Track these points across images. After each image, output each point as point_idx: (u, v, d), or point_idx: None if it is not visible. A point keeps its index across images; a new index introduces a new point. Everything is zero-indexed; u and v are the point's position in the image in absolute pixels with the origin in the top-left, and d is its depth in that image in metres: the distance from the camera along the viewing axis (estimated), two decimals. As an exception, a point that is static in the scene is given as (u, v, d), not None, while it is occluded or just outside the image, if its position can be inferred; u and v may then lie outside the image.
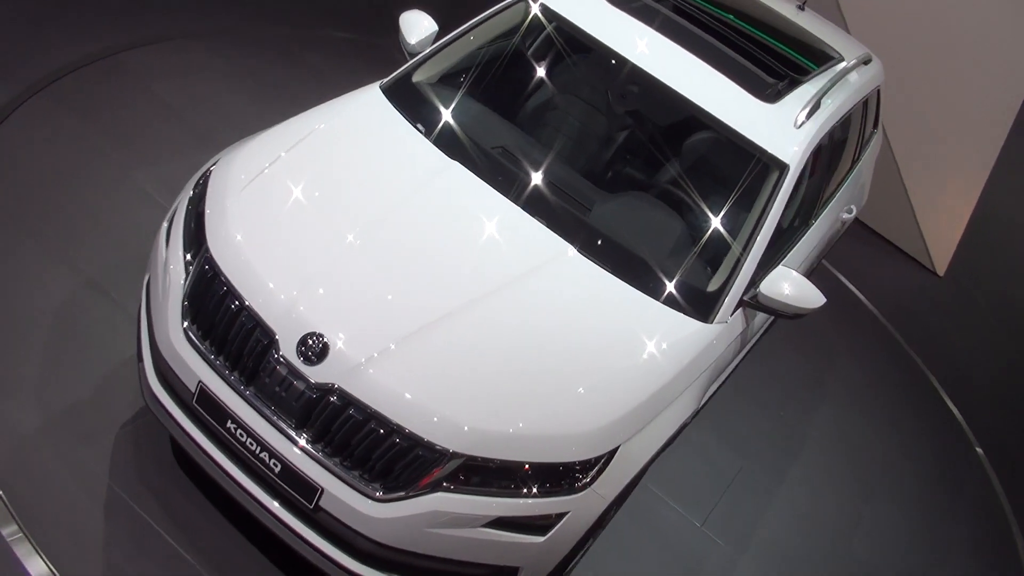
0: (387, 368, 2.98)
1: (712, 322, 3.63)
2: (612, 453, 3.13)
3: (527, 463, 2.98)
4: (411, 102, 3.95)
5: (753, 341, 4.80)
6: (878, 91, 5.54)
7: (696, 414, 4.25)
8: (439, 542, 2.99)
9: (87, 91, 5.07)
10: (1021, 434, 6.44)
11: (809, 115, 4.13)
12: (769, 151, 3.94)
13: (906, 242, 7.86)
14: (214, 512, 3.56)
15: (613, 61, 4.09)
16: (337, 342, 2.99)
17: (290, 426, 3.00)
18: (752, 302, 3.77)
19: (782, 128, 4.04)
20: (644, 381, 3.28)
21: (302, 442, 2.98)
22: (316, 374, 2.97)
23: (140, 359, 3.38)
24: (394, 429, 2.92)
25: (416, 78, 4.08)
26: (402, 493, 2.93)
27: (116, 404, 3.74)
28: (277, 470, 3.04)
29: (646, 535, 4.29)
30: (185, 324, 3.16)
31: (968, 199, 7.63)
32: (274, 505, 3.08)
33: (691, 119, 4.04)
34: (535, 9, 4.26)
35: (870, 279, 7.25)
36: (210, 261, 3.17)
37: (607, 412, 3.13)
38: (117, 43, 5.54)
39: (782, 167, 3.93)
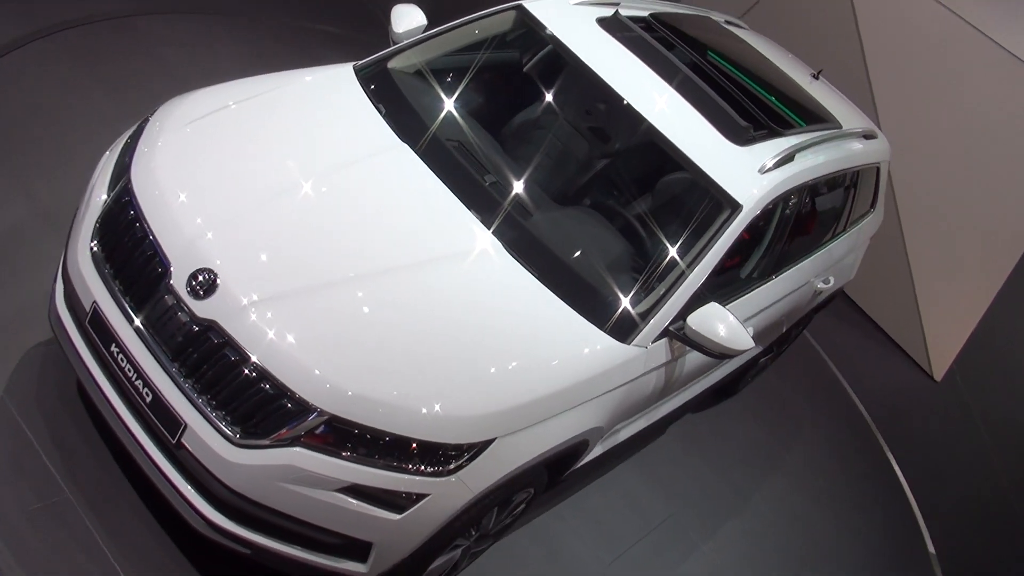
0: (270, 315, 2.96)
1: (629, 344, 3.55)
2: (486, 445, 3.06)
3: (392, 435, 2.92)
4: (379, 84, 3.99)
5: (697, 388, 4.70)
6: (878, 169, 5.48)
7: (615, 448, 4.18)
8: (292, 500, 2.93)
9: (95, 44, 5.23)
10: (981, 549, 6.17)
11: (778, 164, 4.08)
12: (724, 188, 3.89)
13: (906, 340, 7.68)
14: (102, 448, 3.54)
15: (586, 77, 4.10)
16: (227, 281, 2.99)
17: (166, 357, 2.99)
18: (679, 334, 3.69)
19: (744, 170, 3.99)
20: (535, 382, 3.21)
21: (174, 374, 2.97)
22: (200, 309, 2.97)
23: (55, 279, 3.42)
24: (263, 375, 2.90)
25: (391, 64, 4.14)
26: (261, 441, 2.89)
27: (33, 328, 3.76)
28: (148, 400, 3.03)
29: (546, 562, 4.16)
30: (93, 244, 3.20)
31: (977, 308, 7.45)
32: (142, 435, 3.07)
33: (652, 145, 4.02)
34: (523, 18, 4.30)
35: (858, 367, 7.08)
36: (128, 186, 3.22)
37: (488, 402, 3.06)
38: (139, 7, 5.72)
39: (734, 206, 3.87)
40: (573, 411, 3.35)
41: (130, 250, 3.12)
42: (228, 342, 2.93)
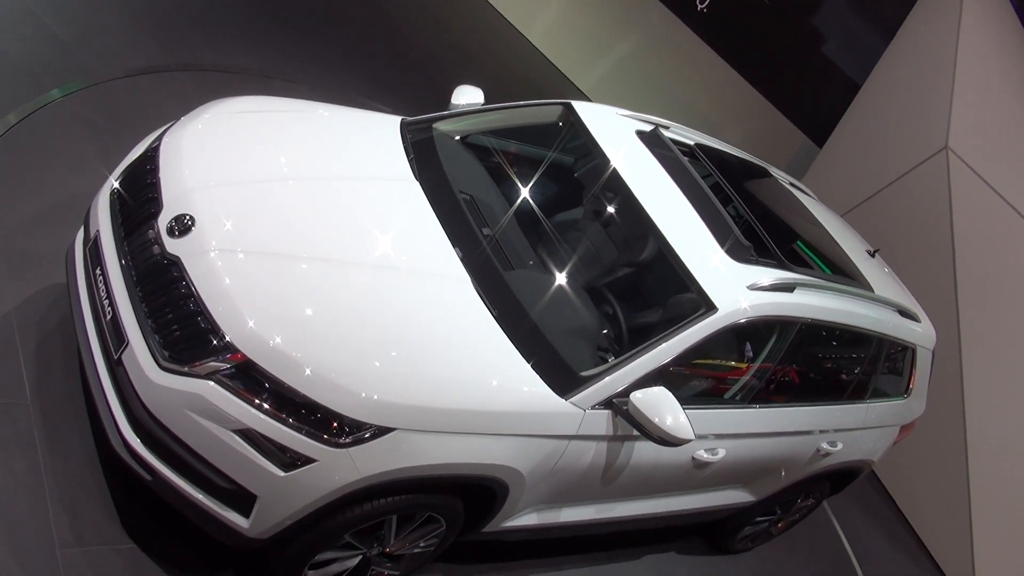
0: (229, 264, 3.30)
1: (565, 399, 3.65)
2: (385, 432, 3.20)
3: (297, 392, 3.12)
4: (417, 133, 4.43)
5: (666, 503, 4.63)
6: (913, 352, 5.41)
7: (558, 528, 4.18)
8: (192, 429, 3.15)
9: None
10: None
11: (773, 288, 4.19)
12: (703, 287, 4.02)
13: (950, 566, 7.17)
14: (77, 379, 3.88)
15: (605, 168, 4.40)
16: (202, 228, 3.37)
17: (132, 280, 3.36)
18: (622, 410, 3.76)
19: (731, 280, 4.11)
20: (453, 392, 3.35)
21: (134, 297, 3.32)
22: (171, 245, 3.35)
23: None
24: (201, 309, 3.20)
25: (437, 125, 4.58)
26: (181, 368, 3.16)
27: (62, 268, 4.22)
28: (108, 317, 3.38)
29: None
30: (116, 185, 3.68)
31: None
32: (96, 348, 3.40)
33: (648, 239, 4.23)
34: (567, 114, 4.69)
35: (883, 568, 6.66)
36: (157, 145, 3.72)
37: (398, 392, 3.22)
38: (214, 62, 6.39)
39: (709, 306, 3.98)
40: (487, 438, 3.45)
41: (139, 191, 3.57)
42: (183, 276, 3.27)
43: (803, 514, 5.89)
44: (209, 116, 3.94)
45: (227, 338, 3.14)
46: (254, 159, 3.79)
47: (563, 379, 3.68)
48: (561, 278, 4.27)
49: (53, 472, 3.55)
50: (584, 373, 3.75)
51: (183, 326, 3.21)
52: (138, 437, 3.27)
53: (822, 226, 5.35)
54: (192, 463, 3.20)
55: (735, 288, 4.09)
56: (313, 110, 4.30)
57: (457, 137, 4.63)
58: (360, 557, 3.68)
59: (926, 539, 7.30)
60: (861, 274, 5.10)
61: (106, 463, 3.66)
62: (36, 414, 3.68)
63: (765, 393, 4.55)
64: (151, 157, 3.70)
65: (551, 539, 4.54)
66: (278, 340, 3.15)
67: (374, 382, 3.21)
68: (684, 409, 3.77)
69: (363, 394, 3.16)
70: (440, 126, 4.58)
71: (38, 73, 5.27)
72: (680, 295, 4.12)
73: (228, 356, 3.14)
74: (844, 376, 5.13)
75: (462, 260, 3.83)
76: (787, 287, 4.27)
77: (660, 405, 3.70)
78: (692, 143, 5.03)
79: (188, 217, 3.40)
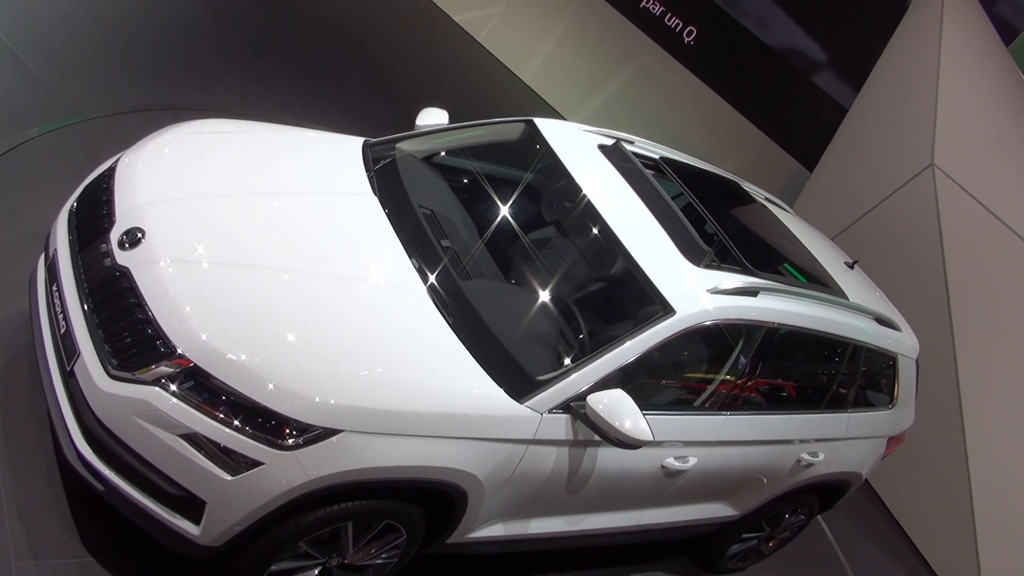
0: (177, 272, 3.36)
1: (521, 403, 3.65)
2: (331, 434, 3.21)
3: (241, 395, 3.15)
4: (378, 152, 4.50)
5: (640, 517, 4.59)
6: (895, 361, 5.37)
7: (527, 541, 4.15)
8: (141, 437, 3.18)
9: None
10: None
11: (735, 292, 4.19)
12: (660, 291, 4.03)
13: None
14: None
15: (563, 177, 4.45)
16: (151, 240, 3.43)
17: (84, 293, 3.42)
18: (579, 413, 3.75)
19: (690, 285, 4.12)
20: (405, 395, 3.37)
21: (84, 308, 3.38)
22: (121, 257, 3.41)
23: None
24: (147, 317, 3.25)
25: (401, 145, 4.65)
26: (129, 375, 3.21)
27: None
28: (62, 331, 3.44)
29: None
30: (73, 204, 3.77)
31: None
32: (52, 362, 3.45)
33: (605, 244, 4.25)
34: (530, 131, 4.76)
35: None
36: (115, 163, 3.81)
37: (344, 393, 3.24)
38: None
39: (667, 309, 3.99)
40: (439, 441, 3.45)
41: (94, 208, 3.65)
42: (131, 286, 3.33)
43: (794, 531, 5.80)
44: (168, 136, 4.04)
45: (172, 343, 3.19)
46: (209, 175, 3.87)
47: (519, 383, 3.69)
48: (520, 287, 4.30)
49: (13, 486, 3.59)
50: (540, 377, 3.75)
51: (131, 334, 3.26)
52: (90, 447, 3.30)
53: (795, 236, 5.36)
54: (142, 471, 3.23)
55: (694, 291, 4.10)
56: (274, 131, 4.40)
57: (421, 156, 4.70)
58: (319, 568, 3.67)
59: (929, 556, 7.15)
60: (836, 283, 5.09)
61: (66, 478, 3.69)
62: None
63: (735, 400, 4.52)
64: (108, 176, 3.79)
65: (525, 554, 4.50)
66: (222, 344, 3.19)
67: (319, 384, 3.23)
68: (650, 415, 3.76)
69: (307, 396, 3.19)
70: (403, 145, 4.66)
71: (20, 112, 5.42)
72: (638, 299, 4.13)
73: (173, 361, 3.18)
74: (820, 385, 5.09)
75: (417, 269, 3.87)
76: (750, 291, 4.27)
77: (616, 407, 3.69)
78: (657, 157, 5.08)
79: (139, 230, 3.47)
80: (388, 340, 3.53)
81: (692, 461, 4.38)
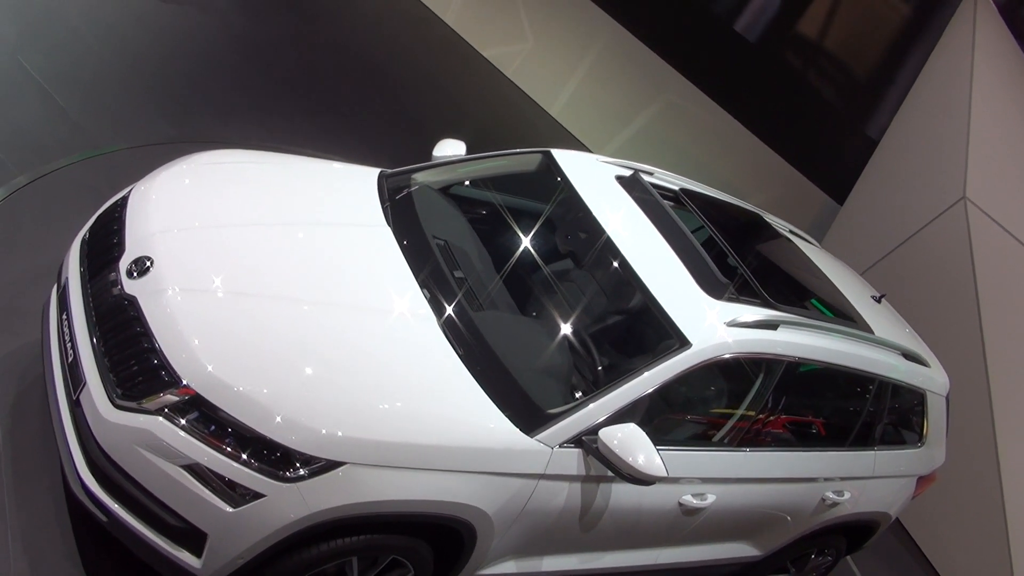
0: (184, 301, 3.34)
1: (532, 436, 3.58)
2: (335, 466, 3.16)
3: (245, 426, 3.11)
4: (394, 184, 4.48)
5: (659, 556, 4.47)
6: (924, 398, 5.22)
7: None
8: (143, 467, 3.15)
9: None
10: None
11: (754, 325, 4.10)
12: (676, 324, 3.95)
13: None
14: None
15: (579, 209, 4.40)
16: (160, 269, 3.42)
17: (91, 321, 3.41)
18: (591, 447, 3.67)
19: (708, 317, 4.03)
20: (411, 428, 3.31)
21: (92, 338, 3.37)
22: (128, 285, 3.41)
23: None
24: (152, 346, 3.23)
25: (416, 176, 4.64)
26: (132, 404, 3.18)
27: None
28: (70, 359, 3.43)
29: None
30: (85, 234, 3.78)
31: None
32: (60, 390, 3.44)
33: (621, 277, 4.18)
34: (547, 162, 4.72)
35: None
36: (128, 193, 3.81)
37: (351, 426, 3.19)
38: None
39: (683, 342, 3.90)
40: (446, 475, 3.38)
41: (105, 237, 3.66)
42: (138, 315, 3.32)
43: (821, 573, 5.64)
44: (183, 165, 4.05)
45: (177, 373, 3.16)
46: (221, 205, 3.87)
47: (529, 416, 3.62)
48: (534, 319, 4.24)
49: (19, 515, 3.57)
50: (551, 411, 3.68)
51: (137, 363, 3.24)
52: (94, 477, 3.27)
53: (819, 270, 5.26)
54: (144, 502, 3.19)
55: (712, 324, 4.01)
56: (289, 162, 4.40)
57: (436, 187, 4.67)
58: (327, 604, 3.60)
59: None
60: (861, 317, 4.97)
61: (73, 508, 3.67)
62: (6, 460, 3.72)
63: (756, 436, 4.41)
64: (120, 204, 3.80)
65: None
66: (228, 375, 3.16)
67: (323, 415, 3.18)
68: (666, 451, 3.68)
69: (312, 427, 3.14)
70: (419, 176, 4.64)
71: (45, 143, 5.49)
72: (655, 333, 4.06)
73: (177, 391, 3.15)
74: (845, 422, 4.96)
75: (429, 301, 3.82)
76: (770, 324, 4.18)
77: (629, 441, 3.60)
78: (677, 188, 5.02)
79: (147, 259, 3.46)
80: (396, 372, 3.48)
81: (711, 499, 4.27)
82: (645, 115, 10.39)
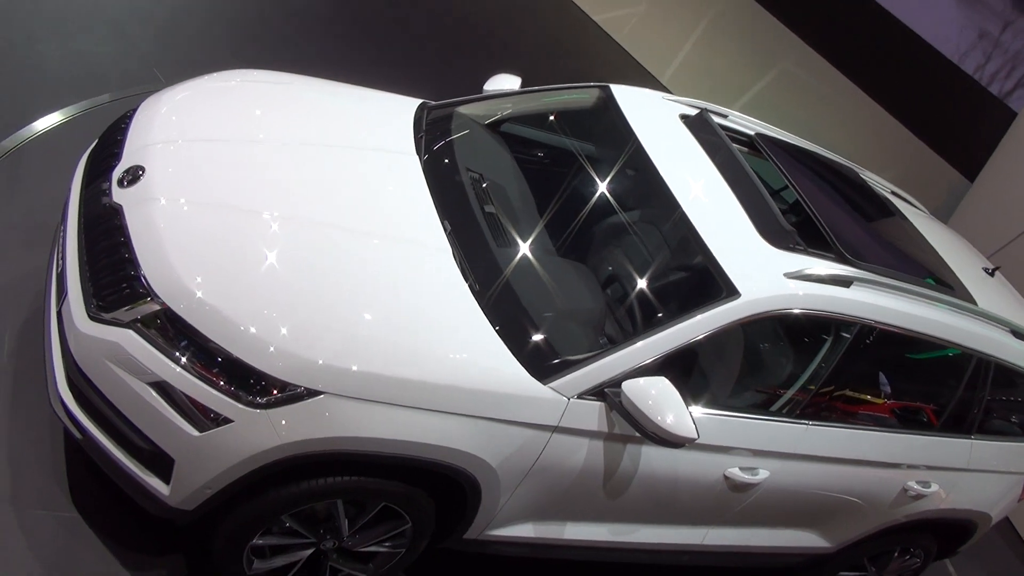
0: (169, 212, 3.12)
1: (545, 383, 3.20)
2: (311, 395, 2.87)
3: (216, 345, 2.86)
4: (434, 114, 4.16)
5: (705, 535, 4.01)
6: (1034, 383, 4.55)
7: (562, 549, 3.69)
8: (113, 382, 2.94)
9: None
10: None
11: (818, 280, 3.59)
12: (725, 271, 3.48)
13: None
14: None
15: (630, 145, 3.97)
16: (149, 179, 3.21)
17: (80, 231, 3.23)
18: (615, 401, 3.26)
19: (763, 266, 3.56)
20: (402, 361, 2.98)
21: (78, 248, 3.19)
22: (117, 194, 3.21)
23: None
24: (129, 257, 3.02)
25: (460, 108, 4.30)
26: (105, 316, 2.98)
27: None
28: (59, 270, 3.26)
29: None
30: (93, 146, 3.63)
31: None
32: (51, 302, 3.29)
33: (671, 220, 3.74)
34: (604, 98, 4.30)
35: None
36: (137, 106, 3.64)
37: (333, 353, 2.90)
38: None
39: (731, 291, 3.44)
40: (440, 417, 3.03)
41: (107, 148, 3.48)
42: (121, 225, 3.11)
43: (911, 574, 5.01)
44: (205, 80, 3.85)
45: (149, 284, 2.94)
46: (234, 121, 3.63)
47: (544, 362, 3.24)
48: (567, 261, 3.85)
49: (12, 433, 3.45)
50: (570, 356, 3.29)
51: (113, 273, 3.04)
52: (71, 393, 3.10)
53: (917, 232, 4.64)
54: (114, 421, 2.99)
55: (767, 274, 3.53)
56: (327, 86, 4.13)
57: (480, 121, 4.33)
58: (312, 550, 3.33)
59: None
60: (963, 287, 4.36)
61: (67, 431, 3.51)
62: (8, 377, 3.61)
63: (820, 409, 3.89)
64: (129, 115, 3.62)
65: (567, 564, 4.00)
66: (200, 289, 2.92)
67: (302, 340, 2.90)
68: (710, 414, 3.37)
69: (287, 351, 2.86)
70: (463, 109, 4.30)
71: (108, 74, 5.43)
72: (702, 280, 3.60)
73: (148, 303, 2.92)
74: (934, 402, 4.35)
75: (448, 232, 3.49)
76: (840, 280, 3.66)
77: (658, 396, 3.18)
78: (752, 133, 4.51)
79: (140, 168, 3.26)
80: (391, 300, 3.16)
81: (763, 474, 3.78)
82: (761, 83, 9.73)
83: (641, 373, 3.28)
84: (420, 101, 4.29)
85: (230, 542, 3.16)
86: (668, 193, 3.74)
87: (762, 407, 3.80)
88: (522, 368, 3.18)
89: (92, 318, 2.99)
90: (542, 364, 3.23)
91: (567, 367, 3.25)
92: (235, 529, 3.12)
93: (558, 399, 3.21)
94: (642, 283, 3.76)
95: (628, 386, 3.22)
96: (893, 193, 5.16)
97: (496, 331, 3.24)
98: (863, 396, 4.07)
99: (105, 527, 3.36)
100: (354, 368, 2.91)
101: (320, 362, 2.88)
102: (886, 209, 4.70)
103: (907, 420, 4.26)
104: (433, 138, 3.97)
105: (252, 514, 3.08)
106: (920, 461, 4.27)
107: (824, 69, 9.13)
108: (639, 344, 3.32)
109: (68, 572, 3.20)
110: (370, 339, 3.00)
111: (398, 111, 4.12)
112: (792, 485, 3.93)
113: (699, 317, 3.39)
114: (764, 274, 3.54)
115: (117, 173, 3.28)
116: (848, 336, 3.75)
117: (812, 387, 3.80)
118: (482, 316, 3.26)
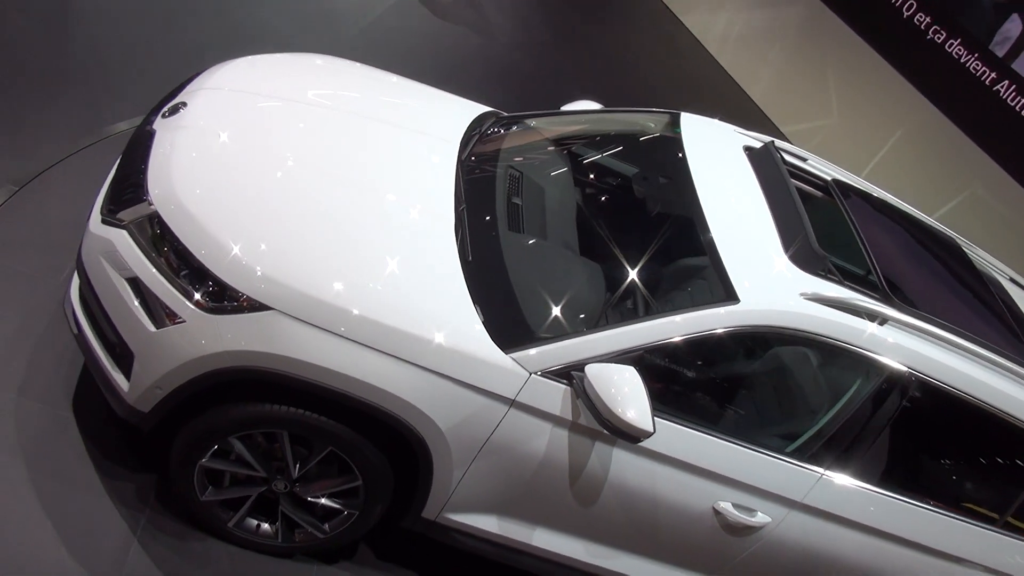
0: (188, 138, 3.39)
1: (507, 353, 3.11)
2: (260, 308, 2.96)
3: (187, 249, 3.04)
4: (496, 120, 4.27)
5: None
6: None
7: (529, 560, 3.50)
8: (100, 276, 3.17)
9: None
10: None
11: (837, 307, 3.30)
12: (729, 276, 3.28)
13: None
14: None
15: (676, 162, 3.88)
16: (189, 111, 3.51)
17: (124, 151, 3.56)
18: (577, 384, 3.12)
19: (777, 282, 3.33)
20: (356, 295, 3.01)
21: (118, 164, 3.52)
22: (157, 122, 3.53)
23: None
24: (143, 169, 3.29)
25: (527, 120, 4.38)
26: (110, 218, 3.25)
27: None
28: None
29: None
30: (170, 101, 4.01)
31: None
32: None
33: (690, 222, 3.59)
34: (671, 123, 4.25)
35: None
36: (203, 71, 3.97)
37: (293, 275, 2.99)
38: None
39: (730, 295, 3.23)
40: (391, 360, 3.00)
41: (172, 95, 3.84)
42: (148, 144, 3.41)
43: None
44: (286, 54, 4.16)
45: (148, 190, 3.18)
46: (289, 83, 3.88)
47: (512, 331, 3.17)
48: (575, 256, 3.76)
49: (45, 333, 3.75)
50: (539, 332, 3.19)
51: (127, 181, 3.31)
52: (79, 291, 3.37)
53: (1015, 303, 4.15)
54: (98, 316, 3.22)
55: (778, 289, 3.29)
56: (404, 82, 4.33)
57: (543, 133, 4.38)
58: (264, 487, 3.36)
59: None
60: None
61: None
62: (60, 291, 3.94)
63: (837, 458, 3.46)
64: (195, 75, 3.96)
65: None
66: (189, 200, 3.13)
67: (267, 259, 3.02)
68: (702, 431, 3.24)
69: (247, 264, 2.99)
70: (530, 121, 4.38)
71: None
72: (707, 284, 3.41)
73: (142, 206, 3.16)
74: (990, 487, 3.77)
75: (457, 207, 3.53)
76: (871, 314, 3.33)
77: (620, 383, 3.02)
78: (828, 178, 4.25)
79: (183, 104, 3.57)
80: (368, 243, 3.23)
81: (761, 518, 3.42)
82: (949, 206, 9.14)
83: (612, 361, 3.12)
84: (489, 108, 4.41)
85: (182, 460, 3.26)
86: (694, 198, 3.61)
87: (765, 439, 3.46)
88: (485, 332, 3.12)
89: (103, 220, 3.27)
90: (508, 332, 3.15)
91: (533, 340, 3.15)
92: (185, 445, 3.22)
93: (518, 371, 3.11)
94: (650, 286, 3.59)
95: (592, 368, 3.08)
96: (1012, 280, 4.65)
97: (470, 293, 3.21)
98: (897, 454, 3.60)
99: (92, 434, 3.56)
100: (308, 292, 2.98)
101: (277, 279, 2.97)
102: (982, 282, 4.24)
103: (957, 500, 3.71)
104: (485, 134, 4.07)
105: (200, 430, 3.18)
106: (973, 557, 3.69)
107: (1018, 198, 8.48)
108: (613, 331, 3.17)
109: (43, 462, 3.40)
110: (333, 270, 3.07)
111: (461, 111, 4.26)
112: (798, 541, 3.51)
113: (688, 315, 3.20)
114: (774, 288, 3.30)
115: (166, 108, 3.61)
116: (874, 381, 3.38)
117: (827, 431, 3.42)
118: (460, 277, 3.25)
